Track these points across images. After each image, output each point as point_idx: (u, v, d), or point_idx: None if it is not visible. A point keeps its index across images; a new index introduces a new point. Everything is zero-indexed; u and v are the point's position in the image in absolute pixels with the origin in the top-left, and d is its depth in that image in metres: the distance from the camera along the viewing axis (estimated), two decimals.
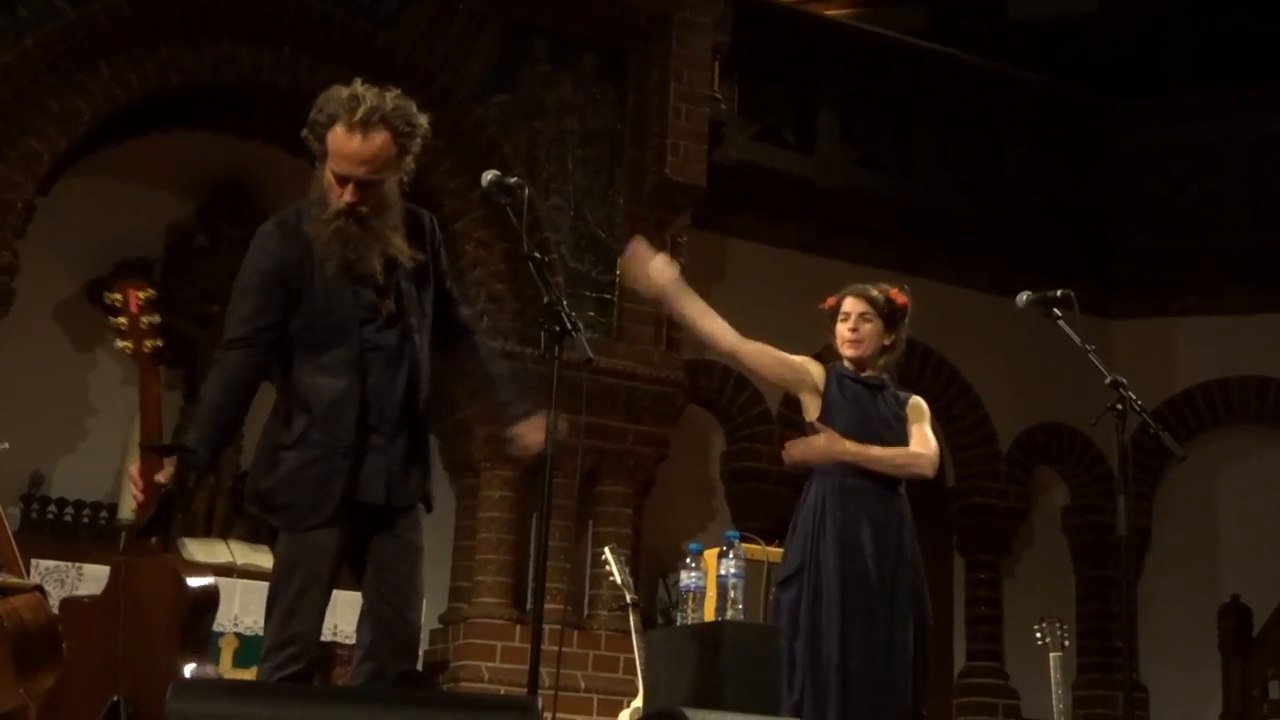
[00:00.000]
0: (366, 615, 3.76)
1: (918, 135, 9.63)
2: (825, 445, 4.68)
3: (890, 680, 4.52)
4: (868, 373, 4.88)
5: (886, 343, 4.90)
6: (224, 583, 6.73)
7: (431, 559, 7.16)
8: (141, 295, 3.93)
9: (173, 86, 7.33)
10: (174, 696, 3.12)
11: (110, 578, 3.68)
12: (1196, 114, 10.14)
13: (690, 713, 3.15)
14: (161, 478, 3.54)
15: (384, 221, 3.74)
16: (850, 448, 4.67)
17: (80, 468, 7.38)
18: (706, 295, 8.66)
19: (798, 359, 4.94)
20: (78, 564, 6.57)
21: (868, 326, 4.84)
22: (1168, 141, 10.19)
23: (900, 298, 4.94)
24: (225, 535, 7.25)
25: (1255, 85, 9.86)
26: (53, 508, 7.23)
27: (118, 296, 3.96)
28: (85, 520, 7.25)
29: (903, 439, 4.82)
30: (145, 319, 3.90)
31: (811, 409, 4.84)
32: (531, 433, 3.90)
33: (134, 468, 3.61)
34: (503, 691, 7.13)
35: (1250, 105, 9.92)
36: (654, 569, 8.44)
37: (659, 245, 8.02)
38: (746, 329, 8.75)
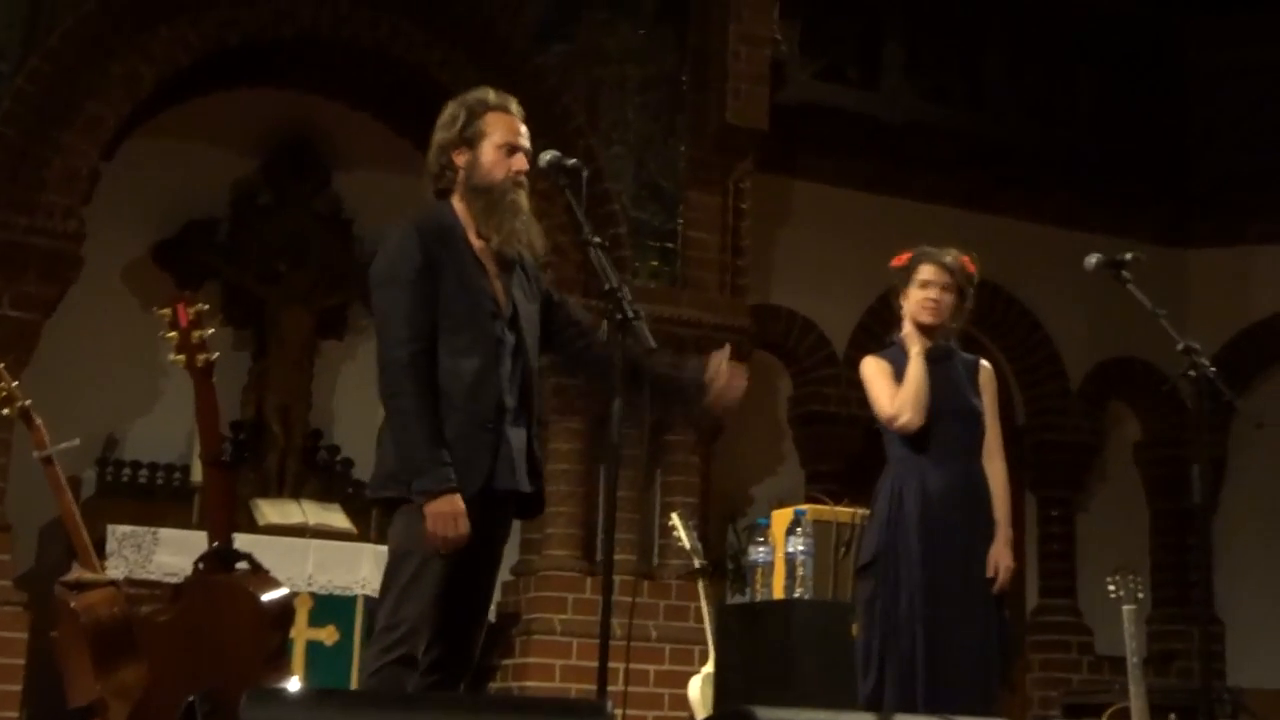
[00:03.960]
0: (438, 605, 3.80)
1: (986, 65, 9.44)
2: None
3: (975, 660, 4.50)
4: (931, 343, 4.78)
5: (958, 312, 4.81)
6: (297, 543, 6.89)
7: None
8: (191, 310, 3.88)
9: (233, 45, 7.31)
10: (247, 705, 3.16)
11: (185, 597, 3.71)
12: (1273, 32, 9.86)
13: (761, 712, 3.14)
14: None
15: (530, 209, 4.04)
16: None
17: (154, 429, 7.47)
18: (772, 238, 8.77)
19: (886, 373, 4.78)
20: (154, 529, 6.63)
21: (948, 298, 4.76)
22: (1244, 61, 9.91)
23: (971, 266, 4.84)
24: (297, 495, 7.32)
25: None
26: (127, 470, 7.33)
27: (167, 311, 3.93)
28: (160, 482, 7.34)
29: (973, 407, 4.76)
30: (197, 333, 3.86)
31: None
32: (731, 378, 3.96)
33: None
34: (575, 644, 7.20)
35: None
36: (724, 514, 8.47)
37: (722, 190, 8.00)
38: (814, 270, 8.84)
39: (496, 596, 7.44)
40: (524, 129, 4.08)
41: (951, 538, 4.59)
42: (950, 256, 4.81)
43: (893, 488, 4.65)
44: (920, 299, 4.75)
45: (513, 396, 3.87)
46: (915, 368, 4.67)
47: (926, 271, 4.76)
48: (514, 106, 4.07)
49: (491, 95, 4.08)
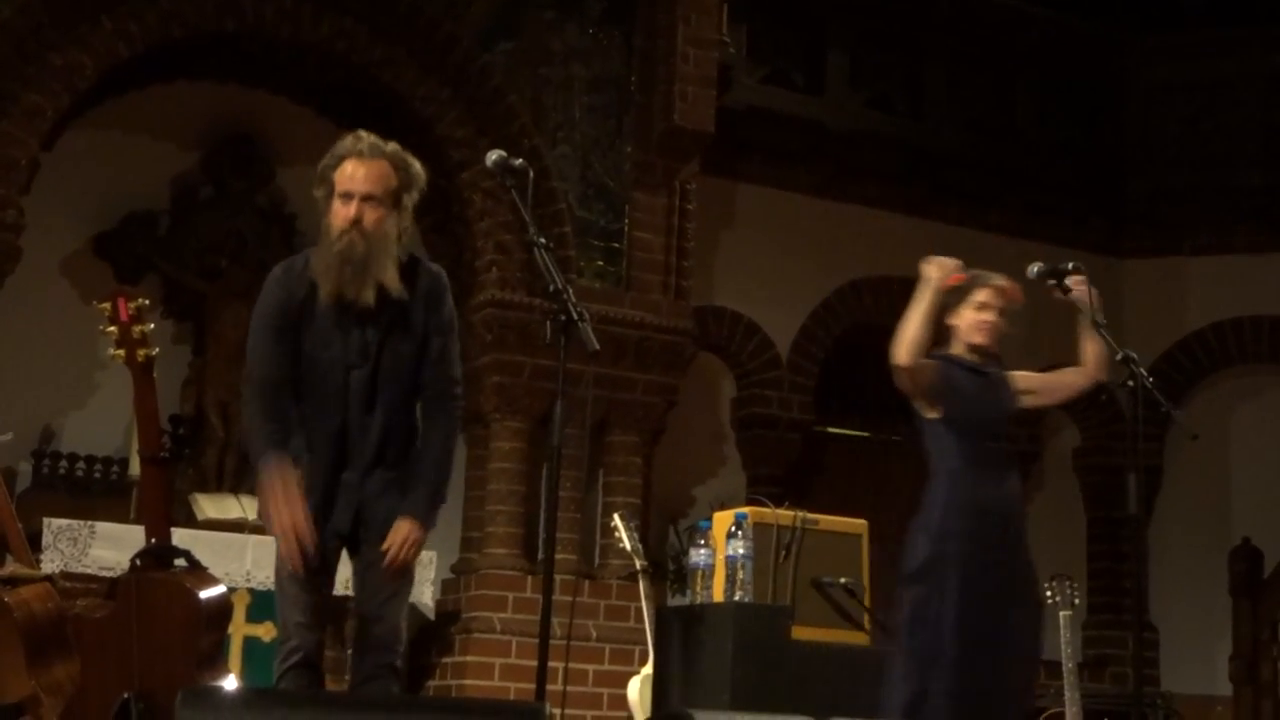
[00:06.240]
0: (354, 613, 4.08)
1: (928, 76, 9.53)
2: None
3: (1018, 668, 4.63)
4: (978, 359, 4.91)
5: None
6: (236, 538, 6.84)
7: (443, 510, 7.26)
8: (132, 304, 3.90)
9: (175, 38, 7.26)
10: (182, 704, 3.13)
11: (120, 594, 3.69)
12: (1210, 51, 10.01)
13: (699, 714, 3.16)
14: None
15: (383, 249, 3.94)
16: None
17: (91, 422, 7.39)
18: (716, 241, 8.79)
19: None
20: (90, 523, 6.57)
21: (1001, 321, 4.93)
22: (1181, 78, 10.06)
23: (1019, 295, 5.00)
24: (236, 490, 7.26)
25: (1270, 22, 9.71)
26: (64, 463, 7.26)
27: (107, 305, 3.94)
28: (97, 475, 7.28)
29: (1007, 420, 4.94)
30: (137, 328, 3.87)
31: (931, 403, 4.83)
32: (395, 546, 3.90)
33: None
34: (514, 643, 7.19)
35: (1264, 42, 9.78)
36: (665, 515, 8.48)
37: (668, 192, 8.01)
38: (758, 273, 8.86)
39: (435, 594, 7.50)
40: (368, 170, 3.97)
41: (995, 549, 4.69)
42: (1002, 280, 4.97)
43: (947, 499, 4.72)
44: (976, 320, 4.89)
45: (369, 447, 3.92)
46: (916, 308, 4.72)
47: (983, 294, 4.91)
48: (362, 146, 4.01)
49: (343, 145, 4.05)
